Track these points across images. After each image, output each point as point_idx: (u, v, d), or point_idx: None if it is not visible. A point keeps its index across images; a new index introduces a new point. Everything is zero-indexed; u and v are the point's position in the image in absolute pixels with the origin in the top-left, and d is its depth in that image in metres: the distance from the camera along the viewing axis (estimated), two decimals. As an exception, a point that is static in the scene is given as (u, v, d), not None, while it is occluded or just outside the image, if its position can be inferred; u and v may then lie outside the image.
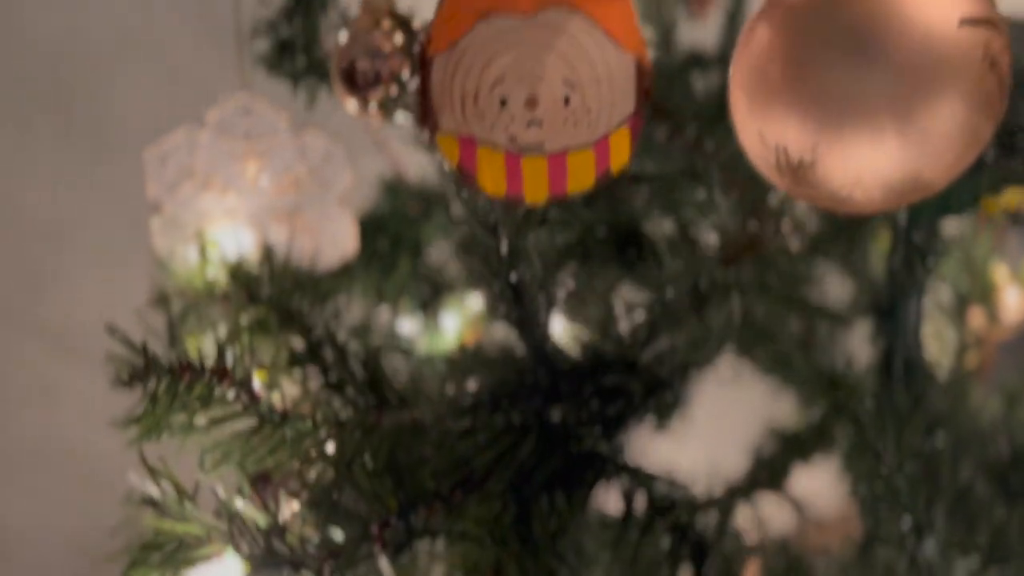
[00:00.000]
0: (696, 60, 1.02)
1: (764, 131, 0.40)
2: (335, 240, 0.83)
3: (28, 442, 1.42)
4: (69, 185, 1.33)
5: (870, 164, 0.38)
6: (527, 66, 0.39)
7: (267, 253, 0.82)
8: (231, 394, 0.47)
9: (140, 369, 0.46)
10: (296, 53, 0.76)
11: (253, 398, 0.48)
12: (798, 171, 0.40)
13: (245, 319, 0.62)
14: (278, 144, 0.79)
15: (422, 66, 0.39)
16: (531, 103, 0.40)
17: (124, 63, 1.23)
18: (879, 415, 0.60)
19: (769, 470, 0.85)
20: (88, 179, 1.33)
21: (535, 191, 0.41)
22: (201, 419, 0.46)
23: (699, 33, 1.14)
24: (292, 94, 0.81)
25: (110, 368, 0.49)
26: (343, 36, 0.66)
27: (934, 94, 0.37)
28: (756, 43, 0.40)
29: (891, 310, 0.84)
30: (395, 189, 0.92)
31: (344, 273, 0.86)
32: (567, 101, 0.40)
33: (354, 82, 0.65)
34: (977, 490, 0.78)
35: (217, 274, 0.79)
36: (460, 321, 0.82)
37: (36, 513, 1.49)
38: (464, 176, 0.41)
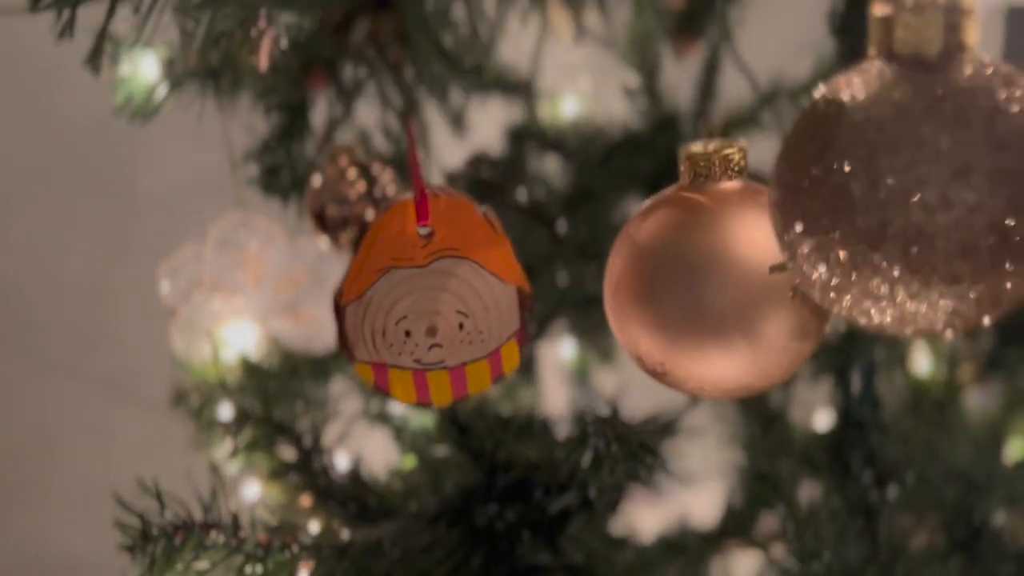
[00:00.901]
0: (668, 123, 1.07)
1: (626, 345, 0.47)
2: (331, 327, 0.92)
3: (90, 480, 1.57)
4: (106, 250, 1.46)
5: (708, 376, 0.46)
6: (425, 304, 0.48)
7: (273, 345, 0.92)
8: (220, 540, 0.57)
9: (141, 534, 0.56)
10: (282, 175, 0.84)
11: (240, 541, 0.57)
12: (654, 371, 0.48)
13: (242, 438, 0.71)
14: (275, 251, 0.88)
15: (336, 313, 0.47)
16: (431, 332, 0.48)
17: (148, 142, 1.33)
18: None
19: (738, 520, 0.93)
20: (123, 243, 1.46)
21: (441, 398, 0.50)
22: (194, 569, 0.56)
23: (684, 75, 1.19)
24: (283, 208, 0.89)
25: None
26: (315, 180, 0.74)
27: (755, 324, 0.44)
28: (613, 271, 0.47)
29: (843, 371, 0.91)
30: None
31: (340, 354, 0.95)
32: (462, 326, 0.48)
33: (325, 224, 0.74)
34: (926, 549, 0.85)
35: (229, 369, 0.89)
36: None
37: (98, 547, 1.66)
38: (379, 392, 0.49)
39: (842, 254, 0.35)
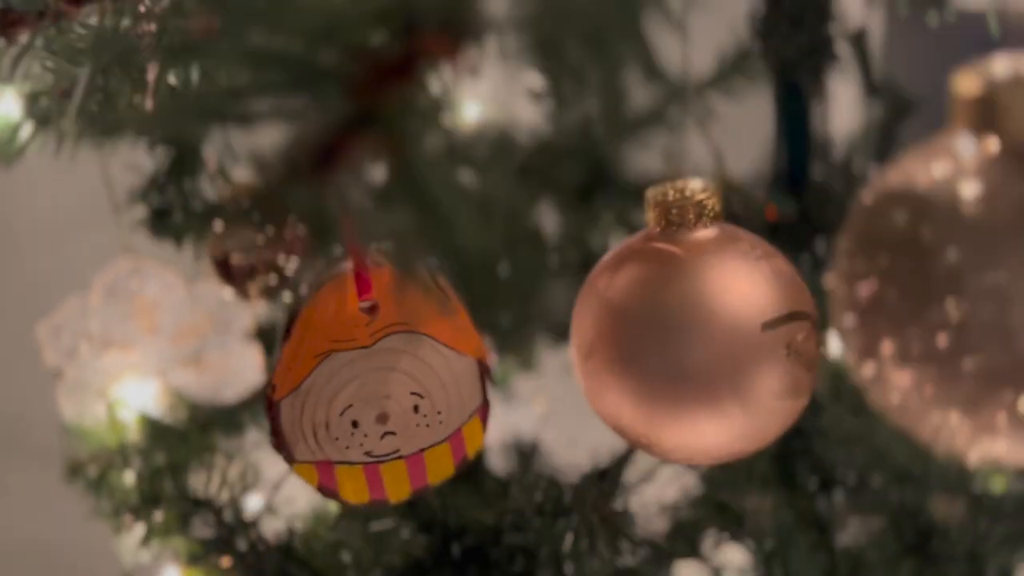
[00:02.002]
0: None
1: (604, 416, 0.42)
2: (242, 373, 0.84)
3: None
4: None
5: (697, 444, 0.41)
6: (373, 388, 0.42)
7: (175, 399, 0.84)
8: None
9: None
10: (174, 215, 0.76)
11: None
12: (636, 441, 0.43)
13: (153, 520, 0.63)
14: (172, 298, 0.80)
15: (269, 409, 0.41)
16: (382, 418, 0.42)
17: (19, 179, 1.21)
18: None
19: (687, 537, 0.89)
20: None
21: (397, 492, 0.44)
22: None
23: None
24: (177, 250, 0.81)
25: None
26: (217, 225, 0.67)
27: (746, 385, 0.40)
28: (583, 334, 0.42)
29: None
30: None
31: (254, 400, 0.87)
32: (417, 409, 0.42)
33: (230, 274, 0.66)
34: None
35: (128, 431, 0.80)
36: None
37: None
38: (326, 494, 0.43)
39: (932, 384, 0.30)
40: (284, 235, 0.65)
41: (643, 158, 1.07)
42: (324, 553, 0.66)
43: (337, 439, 0.42)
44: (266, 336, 0.86)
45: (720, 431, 0.41)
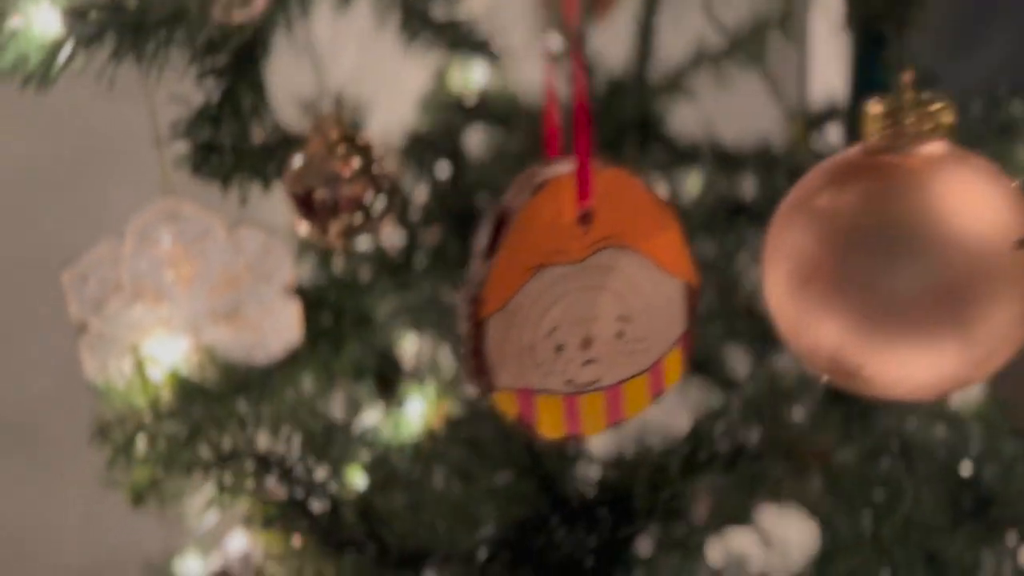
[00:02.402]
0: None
1: (809, 346, 0.39)
2: (279, 332, 0.78)
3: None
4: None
5: (917, 372, 0.38)
6: (581, 310, 0.37)
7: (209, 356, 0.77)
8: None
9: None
10: (223, 153, 0.70)
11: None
12: (849, 374, 0.40)
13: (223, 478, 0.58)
14: (210, 244, 0.73)
15: (474, 328, 0.36)
16: (586, 344, 0.38)
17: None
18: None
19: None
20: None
21: (593, 426, 0.40)
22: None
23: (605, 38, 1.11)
24: (221, 193, 0.74)
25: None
26: (296, 160, 0.61)
27: (981, 309, 0.37)
28: (798, 257, 0.38)
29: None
30: (323, 257, 0.87)
31: (289, 361, 0.81)
32: (621, 335, 0.38)
33: (311, 210, 0.61)
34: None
35: (159, 390, 0.74)
36: (425, 405, 0.79)
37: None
38: (523, 426, 0.39)
39: None
40: (372, 170, 0.60)
41: (681, 115, 1.04)
42: (404, 514, 0.61)
43: (540, 364, 0.37)
44: (305, 295, 0.80)
45: (950, 359, 0.38)
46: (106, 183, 1.16)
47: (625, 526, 0.52)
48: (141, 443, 0.73)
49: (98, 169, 1.14)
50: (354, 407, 0.77)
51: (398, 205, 0.61)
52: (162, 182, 0.71)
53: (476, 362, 0.36)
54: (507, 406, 0.38)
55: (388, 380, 0.85)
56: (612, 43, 1.08)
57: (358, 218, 0.60)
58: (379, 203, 0.60)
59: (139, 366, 0.74)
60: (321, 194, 0.59)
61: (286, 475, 0.58)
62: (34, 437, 1.19)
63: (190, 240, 0.73)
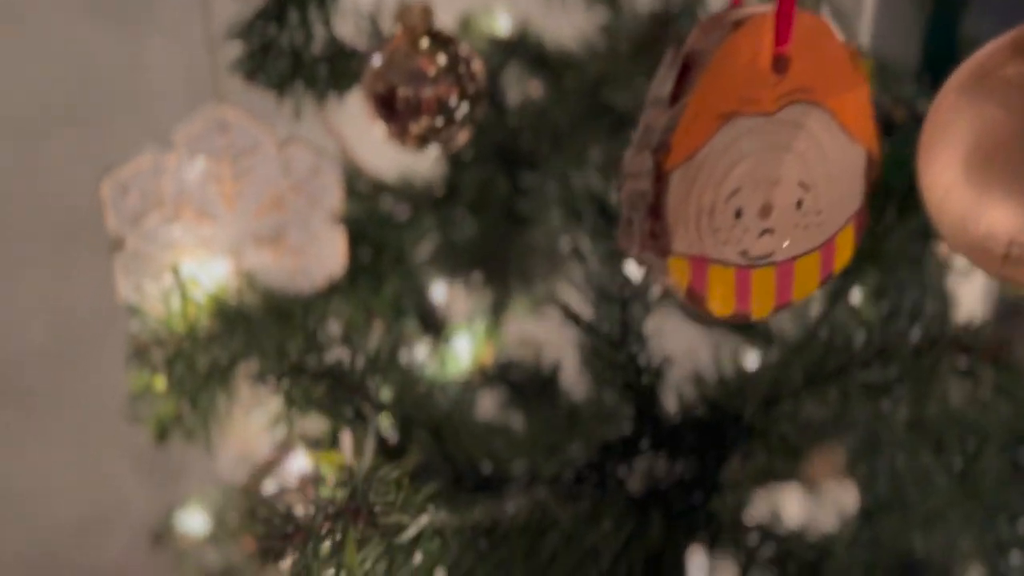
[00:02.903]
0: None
1: (990, 226, 0.36)
2: (323, 260, 0.74)
3: None
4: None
5: None
6: (764, 171, 0.34)
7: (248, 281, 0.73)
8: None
9: (282, 537, 0.38)
10: (281, 57, 0.65)
11: (388, 529, 0.41)
12: (1024, 263, 0.37)
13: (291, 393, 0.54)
14: (260, 161, 0.69)
15: (656, 182, 0.33)
16: (765, 211, 0.35)
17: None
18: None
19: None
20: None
21: (762, 305, 0.37)
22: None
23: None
24: (273, 103, 0.70)
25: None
26: (376, 58, 0.57)
27: None
28: (974, 126, 0.36)
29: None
30: (370, 192, 0.83)
31: (329, 293, 0.77)
32: (799, 205, 0.35)
33: (393, 110, 0.57)
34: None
35: (200, 313, 0.69)
36: (473, 342, 0.76)
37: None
38: (693, 299, 0.35)
39: None
40: (458, 70, 0.56)
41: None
42: (477, 435, 0.58)
43: (718, 230, 0.34)
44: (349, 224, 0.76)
45: None
46: (112, 121, 1.10)
47: (724, 448, 0.50)
48: (179, 368, 0.69)
49: (104, 107, 1.08)
50: (395, 344, 0.73)
51: (481, 112, 0.58)
52: (214, 88, 0.67)
53: (653, 222, 0.33)
54: (679, 275, 0.35)
55: (431, 319, 0.81)
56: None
57: (440, 121, 0.56)
58: (463, 107, 0.56)
59: (177, 288, 0.69)
60: (404, 92, 0.55)
61: (356, 391, 0.55)
62: (26, 389, 1.14)
63: (239, 154, 0.68)
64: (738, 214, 0.34)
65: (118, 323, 1.13)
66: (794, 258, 0.36)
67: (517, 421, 0.78)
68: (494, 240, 0.86)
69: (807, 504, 0.88)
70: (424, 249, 0.83)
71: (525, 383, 0.83)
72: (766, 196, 0.35)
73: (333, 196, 0.73)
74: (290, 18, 0.64)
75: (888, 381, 0.43)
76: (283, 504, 0.39)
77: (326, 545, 0.37)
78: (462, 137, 0.59)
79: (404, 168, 0.94)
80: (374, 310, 0.82)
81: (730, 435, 0.49)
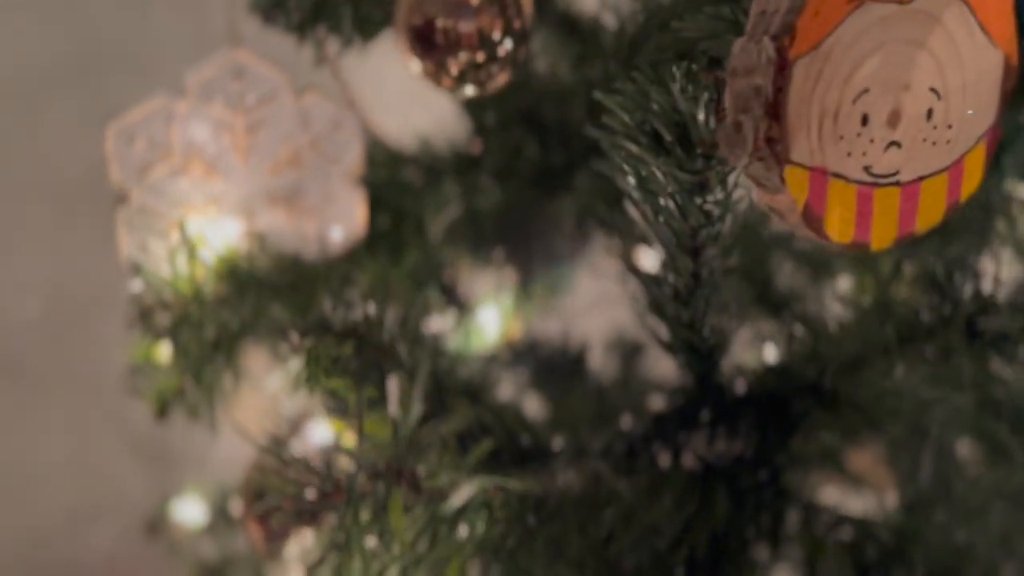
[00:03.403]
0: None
1: None
2: (341, 222, 0.69)
3: None
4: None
5: None
6: (894, 70, 0.29)
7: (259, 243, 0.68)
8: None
9: (319, 496, 0.33)
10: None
11: (433, 495, 0.36)
12: None
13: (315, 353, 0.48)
14: (276, 112, 0.64)
15: (778, 74, 0.28)
16: (893, 119, 0.30)
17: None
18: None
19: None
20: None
21: (883, 234, 0.32)
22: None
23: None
24: (293, 48, 0.65)
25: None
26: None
27: None
28: None
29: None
30: (388, 157, 0.78)
31: (346, 261, 0.72)
32: (929, 115, 0.30)
33: (431, 43, 0.52)
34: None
35: (208, 275, 0.64)
36: (501, 315, 0.71)
37: None
38: (810, 220, 0.31)
39: None
40: (511, 1, 0.51)
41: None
42: (512, 407, 0.53)
43: (841, 138, 0.30)
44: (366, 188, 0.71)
45: None
46: (114, 85, 1.05)
47: (794, 420, 0.45)
48: (184, 334, 0.63)
49: (106, 70, 1.03)
50: (422, 310, 0.68)
51: (524, 53, 0.53)
52: (229, 31, 0.61)
53: (771, 124, 0.28)
54: (797, 188, 0.30)
55: (453, 292, 0.76)
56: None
57: (480, 57, 0.51)
58: (506, 43, 0.51)
59: (184, 247, 0.64)
60: (443, 23, 0.50)
61: (384, 353, 0.49)
62: (15, 367, 1.08)
63: (254, 104, 0.63)
64: (864, 120, 0.30)
65: (116, 299, 1.08)
66: (920, 178, 0.32)
67: (543, 402, 0.73)
68: (520, 210, 0.81)
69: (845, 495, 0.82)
70: (445, 218, 0.77)
71: (550, 363, 0.78)
72: (895, 101, 0.30)
73: (353, 153, 0.67)
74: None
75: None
76: (318, 462, 0.34)
77: (366, 508, 0.32)
78: (501, 79, 0.54)
79: (421, 132, 0.89)
80: (393, 282, 0.76)
81: (802, 404, 0.45)
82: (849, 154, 0.30)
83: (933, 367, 0.39)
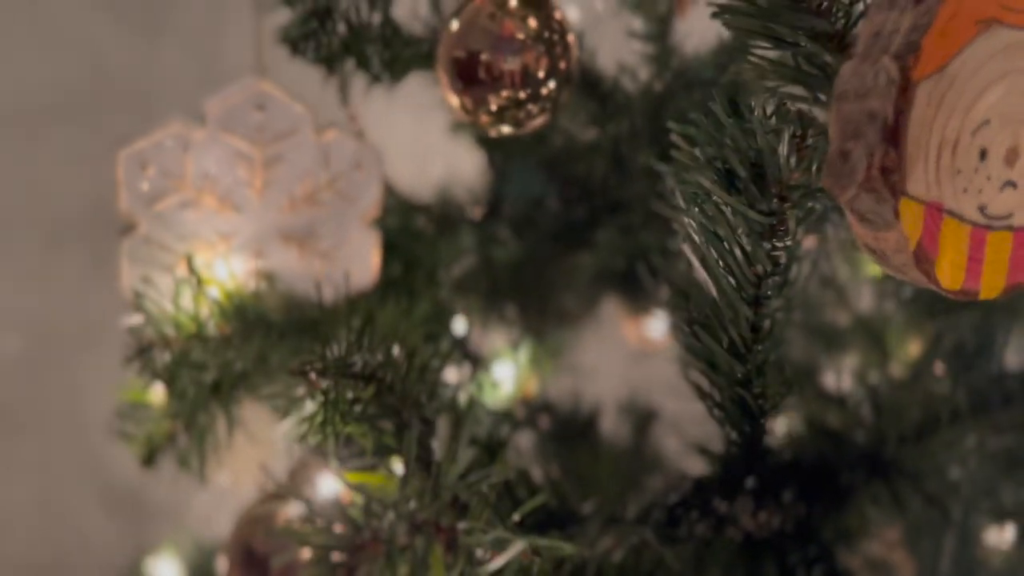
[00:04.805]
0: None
1: None
2: (354, 265, 0.66)
3: None
4: None
5: None
6: (1016, 105, 0.27)
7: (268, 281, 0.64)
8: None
9: (352, 548, 0.29)
10: (334, 26, 0.58)
11: (472, 553, 0.32)
12: None
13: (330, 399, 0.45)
14: (297, 147, 0.61)
15: (900, 97, 0.26)
16: (1010, 156, 0.28)
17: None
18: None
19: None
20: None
21: (992, 283, 0.29)
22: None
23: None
24: (318, 80, 0.63)
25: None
26: (456, 20, 0.50)
27: None
28: None
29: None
30: (400, 204, 0.75)
31: (357, 305, 0.69)
32: (1049, 155, 0.28)
33: (473, 78, 0.50)
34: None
35: (214, 313, 0.60)
36: (516, 371, 0.67)
37: None
38: (921, 261, 0.28)
39: None
40: (551, 38, 0.49)
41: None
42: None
43: (959, 172, 0.27)
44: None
45: None
46: (113, 124, 1.02)
47: (847, 490, 0.41)
48: (183, 375, 0.60)
49: (106, 107, 1.01)
50: (441, 359, 0.64)
51: (568, 95, 0.51)
52: (256, 59, 0.59)
53: (887, 151, 0.26)
54: (911, 224, 0.27)
55: (466, 345, 0.73)
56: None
57: (523, 94, 0.49)
58: (550, 82, 0.49)
59: (190, 283, 0.61)
60: (487, 58, 0.48)
61: (404, 399, 0.46)
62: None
63: (274, 137, 0.61)
64: (982, 155, 0.27)
65: (101, 341, 1.04)
66: (1033, 225, 0.29)
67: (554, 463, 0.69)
68: (537, 264, 0.78)
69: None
70: (460, 268, 0.75)
71: (562, 424, 0.74)
72: (1015, 137, 0.28)
73: (371, 195, 0.65)
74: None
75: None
76: (348, 511, 0.30)
77: (404, 563, 0.29)
78: (540, 120, 0.52)
79: (435, 179, 0.87)
80: (404, 333, 0.73)
81: (854, 475, 0.41)
82: (965, 190, 0.28)
83: (1008, 439, 0.36)
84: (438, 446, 0.48)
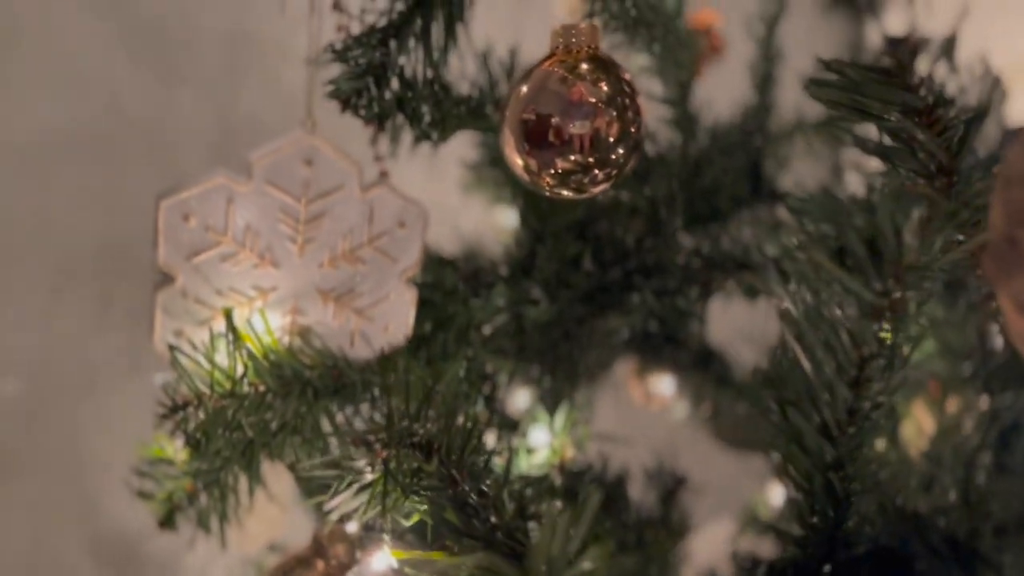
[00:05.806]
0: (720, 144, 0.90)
1: None
2: (391, 324, 0.64)
3: None
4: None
5: None
6: None
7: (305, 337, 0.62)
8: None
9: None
10: (387, 83, 0.57)
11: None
12: None
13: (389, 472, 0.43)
14: (342, 203, 0.60)
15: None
16: None
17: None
18: None
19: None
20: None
21: None
22: None
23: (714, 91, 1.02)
24: (366, 136, 0.62)
25: None
26: (526, 83, 0.50)
27: None
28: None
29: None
30: (433, 261, 0.74)
31: (388, 363, 0.67)
32: None
33: (542, 141, 0.49)
34: None
35: (250, 370, 0.58)
36: (554, 435, 0.66)
37: None
38: None
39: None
40: (623, 103, 0.49)
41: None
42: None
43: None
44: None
45: None
46: (125, 166, 1.01)
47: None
48: (215, 433, 0.57)
49: (119, 149, 0.99)
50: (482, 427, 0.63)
51: (636, 163, 0.50)
52: (306, 114, 0.58)
53: (1006, 231, 0.24)
54: (1017, 321, 0.26)
55: (497, 406, 0.71)
56: (724, 89, 1.00)
57: (587, 159, 0.48)
58: (619, 148, 0.49)
59: (226, 339, 0.59)
60: (557, 122, 0.47)
61: (462, 470, 0.44)
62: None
63: (319, 193, 0.59)
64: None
65: (102, 387, 1.01)
66: None
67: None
68: (568, 325, 0.77)
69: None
70: (495, 325, 0.73)
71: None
72: None
73: (413, 253, 0.63)
74: (407, 39, 0.56)
75: None
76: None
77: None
78: (603, 186, 0.51)
79: (462, 239, 0.86)
80: (449, 398, 0.71)
81: (938, 564, 0.40)
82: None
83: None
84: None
